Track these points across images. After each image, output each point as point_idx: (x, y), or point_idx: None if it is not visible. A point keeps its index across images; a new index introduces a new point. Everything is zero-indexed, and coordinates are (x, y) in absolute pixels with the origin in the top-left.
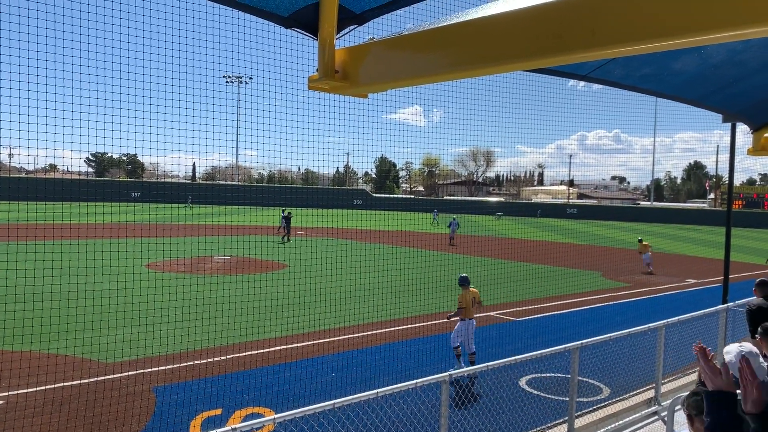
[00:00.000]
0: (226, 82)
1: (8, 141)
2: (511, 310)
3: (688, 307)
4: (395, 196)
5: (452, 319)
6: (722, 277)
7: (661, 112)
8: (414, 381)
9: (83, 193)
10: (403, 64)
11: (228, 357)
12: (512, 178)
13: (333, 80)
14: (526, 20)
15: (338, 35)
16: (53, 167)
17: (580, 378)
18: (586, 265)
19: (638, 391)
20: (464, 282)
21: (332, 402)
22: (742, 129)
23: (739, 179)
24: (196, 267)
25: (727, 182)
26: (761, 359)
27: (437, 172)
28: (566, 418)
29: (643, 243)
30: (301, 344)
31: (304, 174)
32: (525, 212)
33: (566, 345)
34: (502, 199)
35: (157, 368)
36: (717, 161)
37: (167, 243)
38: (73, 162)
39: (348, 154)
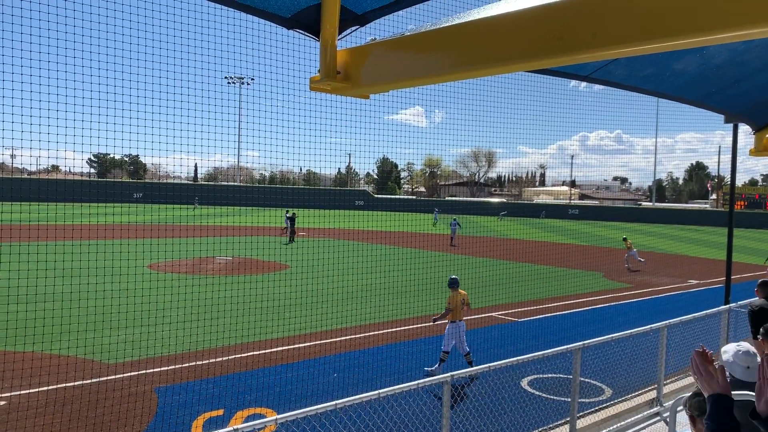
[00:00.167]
0: (228, 83)
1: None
2: (513, 310)
3: (690, 308)
4: (397, 196)
5: (438, 322)
6: (724, 278)
7: (663, 112)
8: (416, 382)
9: (85, 194)
10: (405, 65)
11: (230, 357)
12: (514, 178)
13: (335, 81)
14: (528, 21)
15: (340, 36)
16: (55, 168)
17: (582, 379)
18: (588, 265)
19: (640, 391)
20: (453, 283)
21: (334, 402)
22: (744, 129)
23: (741, 180)
24: (198, 268)
25: (729, 183)
26: (758, 359)
27: (439, 172)
28: (568, 419)
29: (629, 241)
30: (303, 345)
31: (305, 175)
32: (529, 213)
33: (568, 346)
34: (504, 200)
35: (159, 369)
36: (719, 162)
37: (169, 244)
38: (75, 163)
39: (350, 155)
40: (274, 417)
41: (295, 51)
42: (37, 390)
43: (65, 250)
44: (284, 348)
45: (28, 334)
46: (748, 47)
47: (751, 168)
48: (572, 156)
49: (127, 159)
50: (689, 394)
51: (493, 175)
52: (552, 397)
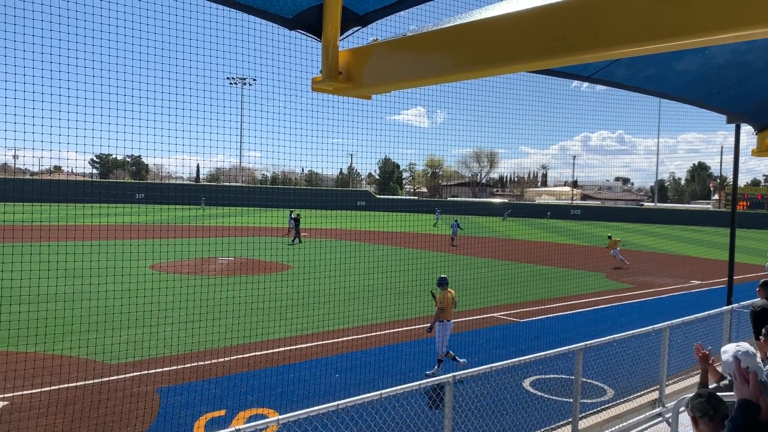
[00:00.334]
0: (230, 83)
1: (13, 143)
2: (515, 311)
3: (693, 309)
4: (399, 197)
5: (432, 329)
6: (727, 279)
7: (665, 113)
8: (418, 382)
9: (87, 195)
10: (407, 66)
11: (232, 358)
12: (516, 179)
13: (336, 82)
14: (530, 21)
15: (342, 37)
16: (58, 169)
17: (584, 379)
18: (590, 266)
19: (642, 392)
20: (443, 282)
21: (336, 403)
22: (747, 130)
23: (743, 180)
24: (199, 268)
25: (731, 183)
26: (758, 359)
27: (441, 173)
28: (570, 420)
29: (613, 239)
30: (305, 345)
31: (308, 175)
32: (531, 214)
33: (570, 346)
34: (506, 201)
35: (161, 369)
36: (721, 162)
37: (171, 244)
38: (78, 163)
39: (351, 155)
40: (276, 417)
41: (297, 52)
42: (39, 390)
43: (67, 251)
44: (286, 348)
45: (31, 334)
46: (751, 47)
47: (753, 168)
48: (574, 156)
49: (129, 160)
50: (691, 395)
51: (495, 175)
52: (554, 397)
